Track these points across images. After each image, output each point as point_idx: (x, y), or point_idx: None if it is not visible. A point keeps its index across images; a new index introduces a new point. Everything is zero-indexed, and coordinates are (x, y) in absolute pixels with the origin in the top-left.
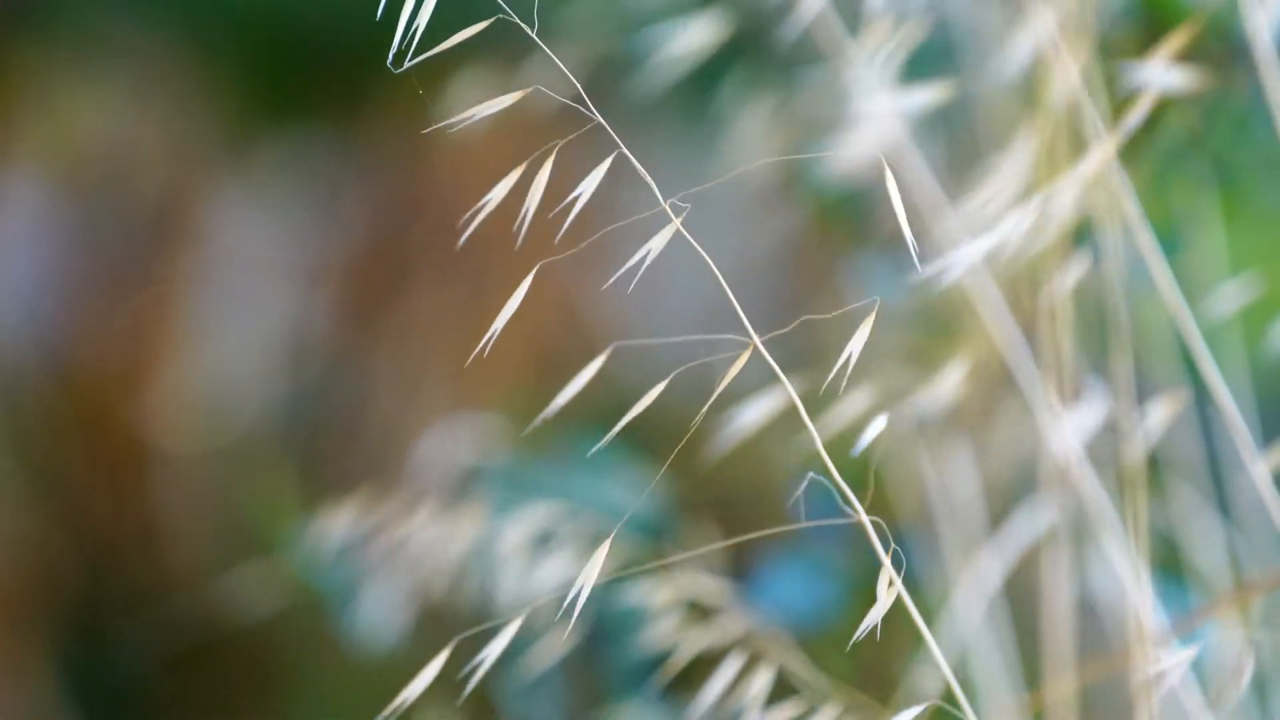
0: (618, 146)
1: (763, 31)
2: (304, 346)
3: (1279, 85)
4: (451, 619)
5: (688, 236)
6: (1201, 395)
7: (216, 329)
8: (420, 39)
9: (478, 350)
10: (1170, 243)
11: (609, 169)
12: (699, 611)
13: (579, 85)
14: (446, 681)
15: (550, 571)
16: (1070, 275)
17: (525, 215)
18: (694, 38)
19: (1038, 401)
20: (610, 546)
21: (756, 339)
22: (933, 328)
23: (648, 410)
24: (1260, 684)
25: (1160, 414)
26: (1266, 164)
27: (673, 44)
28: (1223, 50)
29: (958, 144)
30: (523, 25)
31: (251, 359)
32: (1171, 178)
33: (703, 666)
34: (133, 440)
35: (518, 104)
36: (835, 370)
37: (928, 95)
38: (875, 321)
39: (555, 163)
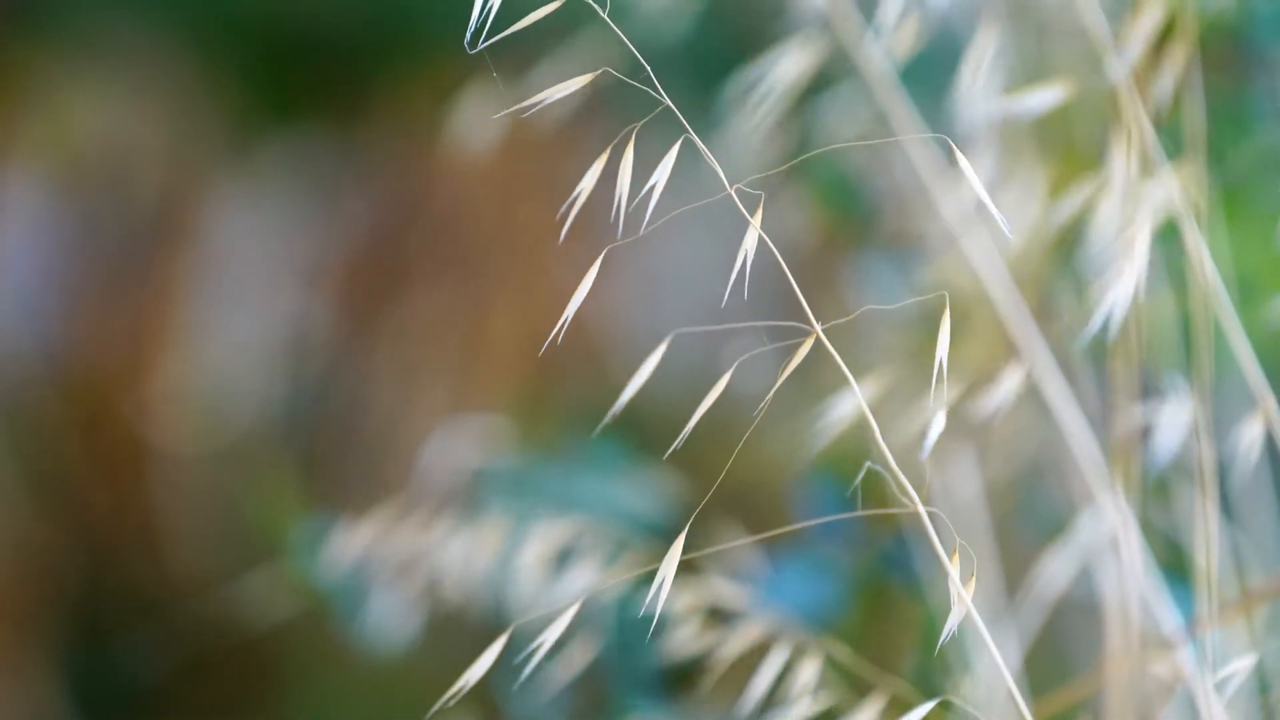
0: (683, 132)
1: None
2: (304, 346)
3: None
4: (461, 624)
5: (759, 232)
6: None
7: (216, 329)
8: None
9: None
10: (1174, 244)
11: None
12: (712, 614)
13: (649, 69)
14: (452, 684)
15: (567, 577)
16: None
17: (620, 200)
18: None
19: (1066, 403)
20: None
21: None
22: (935, 328)
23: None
24: (1264, 689)
25: (1254, 429)
26: (1269, 164)
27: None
28: (1228, 51)
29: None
30: (595, 5)
31: (251, 359)
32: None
33: (714, 670)
34: (133, 440)
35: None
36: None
37: (1039, 98)
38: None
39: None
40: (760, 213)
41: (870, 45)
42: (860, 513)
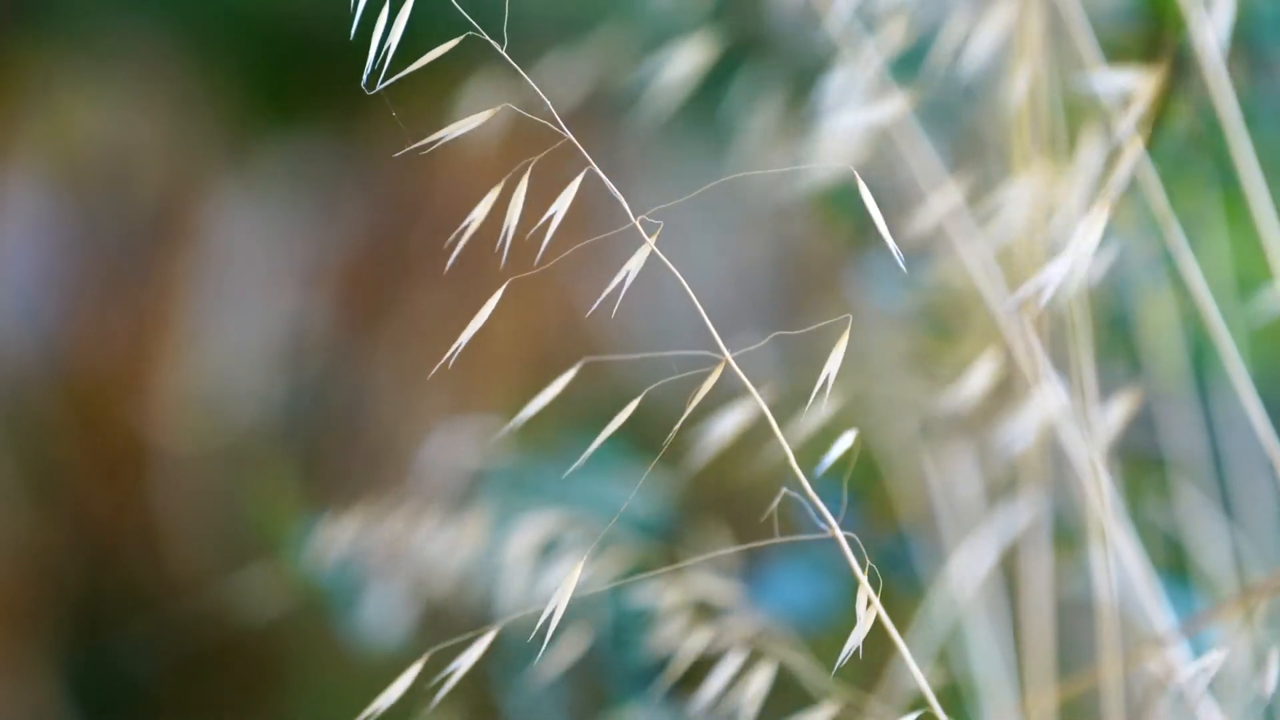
0: (600, 160)
1: (769, 34)
2: (304, 346)
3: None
4: (456, 622)
5: (662, 258)
6: (1205, 395)
7: (216, 329)
8: (395, 54)
9: (443, 361)
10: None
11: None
12: (705, 612)
13: (549, 102)
14: (455, 686)
15: (555, 574)
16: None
17: (507, 232)
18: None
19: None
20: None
21: (731, 355)
22: (935, 328)
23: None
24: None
25: (1120, 409)
26: (1269, 164)
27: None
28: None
29: (956, 141)
30: (493, 43)
31: (251, 359)
32: (1174, 178)
33: (707, 667)
34: (133, 440)
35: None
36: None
37: (905, 99)
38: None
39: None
40: (657, 236)
41: (862, 43)
42: (776, 540)
